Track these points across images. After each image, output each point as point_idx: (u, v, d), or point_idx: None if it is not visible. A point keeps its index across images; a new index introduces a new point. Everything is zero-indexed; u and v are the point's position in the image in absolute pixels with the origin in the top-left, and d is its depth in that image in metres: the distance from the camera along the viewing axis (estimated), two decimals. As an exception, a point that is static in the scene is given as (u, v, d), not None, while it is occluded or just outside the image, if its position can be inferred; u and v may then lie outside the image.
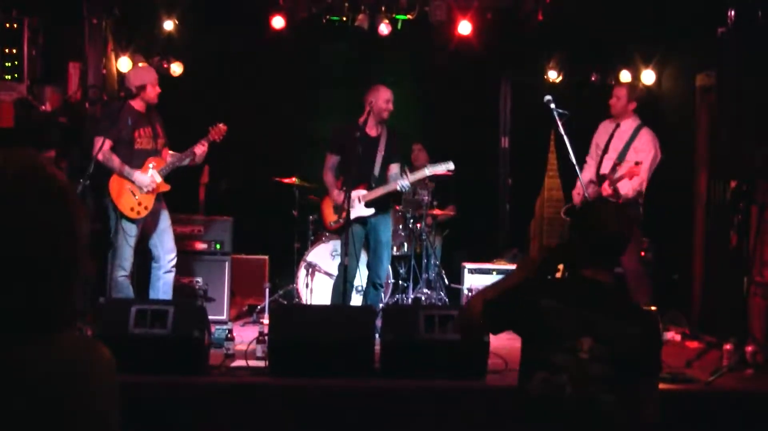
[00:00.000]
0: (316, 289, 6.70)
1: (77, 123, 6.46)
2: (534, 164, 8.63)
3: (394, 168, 5.99)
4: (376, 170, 5.96)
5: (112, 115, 5.49)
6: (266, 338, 4.67)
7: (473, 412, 4.23)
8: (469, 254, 7.43)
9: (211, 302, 6.27)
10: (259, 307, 6.63)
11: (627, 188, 5.76)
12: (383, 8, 7.24)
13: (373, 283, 5.99)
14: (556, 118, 5.54)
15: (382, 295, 6.30)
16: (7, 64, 6.13)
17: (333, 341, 4.47)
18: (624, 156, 5.94)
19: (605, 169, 6.01)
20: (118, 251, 5.44)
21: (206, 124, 5.74)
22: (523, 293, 2.62)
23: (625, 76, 7.41)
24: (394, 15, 7.30)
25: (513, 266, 6.94)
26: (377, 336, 4.69)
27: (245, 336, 5.48)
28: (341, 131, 6.03)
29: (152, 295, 5.65)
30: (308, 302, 6.59)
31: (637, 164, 5.69)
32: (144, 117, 5.58)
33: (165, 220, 5.73)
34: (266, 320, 5.43)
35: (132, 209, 5.46)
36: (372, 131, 5.96)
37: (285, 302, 6.74)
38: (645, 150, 5.88)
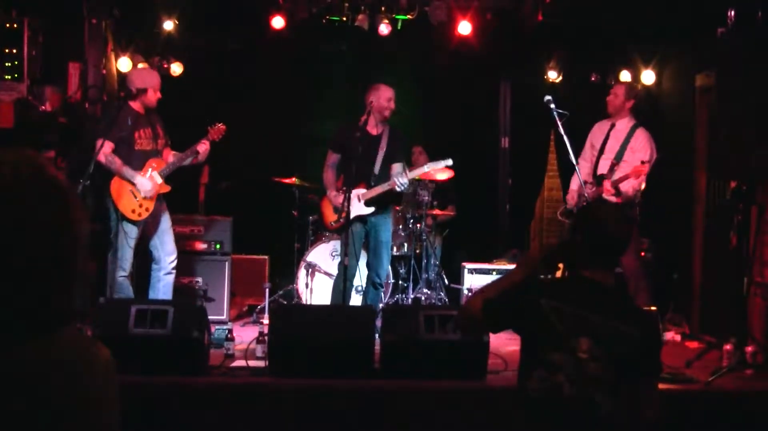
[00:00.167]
0: (316, 289, 6.71)
1: (77, 123, 6.46)
2: (534, 164, 8.63)
3: (396, 167, 5.99)
4: (377, 169, 5.96)
5: (111, 115, 5.49)
6: (266, 338, 4.67)
7: (473, 412, 4.23)
8: (469, 254, 7.43)
9: (211, 302, 6.27)
10: (259, 307, 6.62)
11: (628, 186, 5.77)
12: (383, 8, 7.24)
13: (373, 283, 5.99)
14: (556, 118, 5.54)
15: (382, 295, 6.30)
16: (7, 64, 6.13)
17: (333, 341, 4.47)
18: (621, 156, 5.95)
19: (603, 169, 6.02)
20: (119, 251, 5.44)
21: (206, 124, 5.75)
22: (523, 292, 2.62)
23: (625, 76, 7.41)
24: (394, 15, 7.30)
25: (513, 267, 7.00)
26: (377, 336, 4.69)
27: (245, 336, 5.48)
28: (343, 129, 6.03)
29: (152, 296, 5.64)
30: (308, 303, 6.59)
31: (643, 163, 5.70)
32: (144, 118, 5.57)
33: (166, 221, 5.72)
34: (266, 321, 5.43)
35: (133, 211, 5.46)
36: (373, 129, 5.96)
37: (285, 303, 6.74)
38: (642, 150, 5.89)
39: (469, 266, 7.01)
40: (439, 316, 4.55)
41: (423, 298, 6.90)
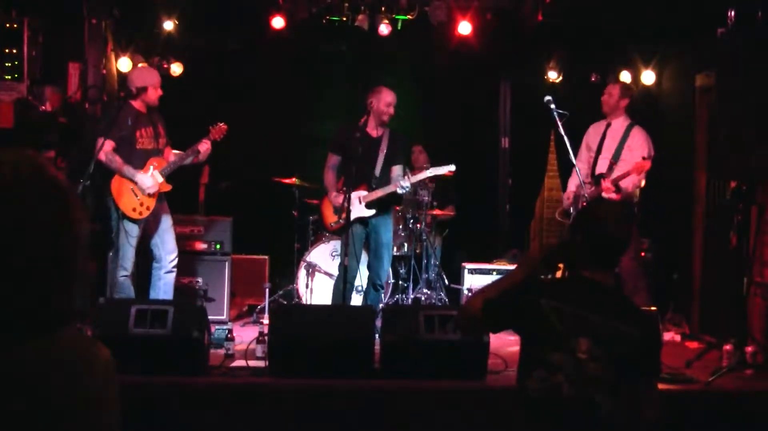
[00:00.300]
0: (316, 289, 6.71)
1: (77, 123, 6.46)
2: (534, 164, 8.63)
3: (397, 170, 5.98)
4: (377, 171, 5.95)
5: (112, 115, 5.49)
6: (266, 338, 4.67)
7: (473, 412, 4.23)
8: (469, 254, 7.43)
9: (211, 302, 6.27)
10: (259, 307, 6.63)
11: (628, 182, 5.79)
12: (383, 8, 7.24)
13: (373, 284, 5.99)
14: (556, 118, 5.54)
15: (382, 295, 6.30)
16: (7, 64, 6.13)
17: (333, 341, 4.47)
18: (619, 155, 5.96)
19: (602, 168, 6.02)
20: (120, 251, 5.44)
21: (206, 124, 5.75)
22: (523, 292, 2.62)
23: (625, 76, 7.42)
24: (394, 15, 7.30)
25: (513, 267, 7.00)
26: (377, 336, 4.69)
27: (245, 336, 5.48)
28: (343, 130, 6.03)
29: (153, 295, 5.65)
30: (308, 303, 6.59)
31: (644, 158, 5.71)
32: (145, 117, 5.57)
33: (166, 220, 5.73)
34: (266, 321, 5.43)
35: (134, 210, 5.46)
36: (373, 131, 5.95)
37: (285, 303, 6.73)
38: (640, 147, 5.90)
39: (469, 266, 7.01)
40: (439, 316, 4.55)
41: (423, 298, 6.90)
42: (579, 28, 7.31)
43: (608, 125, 6.12)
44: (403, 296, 6.94)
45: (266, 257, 7.29)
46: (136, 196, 5.47)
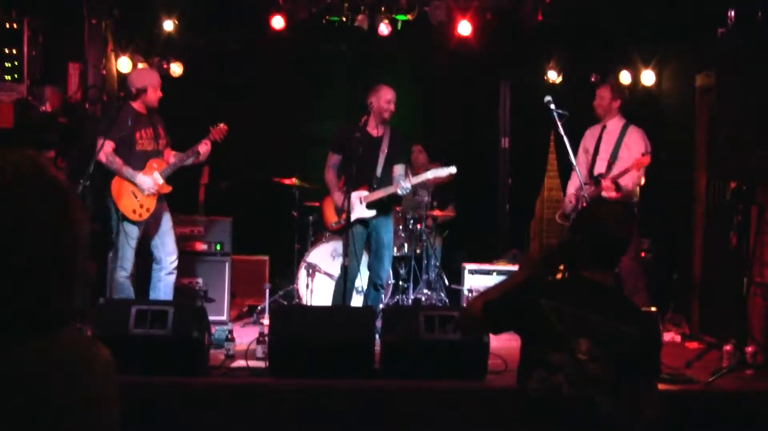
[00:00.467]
0: (316, 290, 6.70)
1: (77, 123, 6.46)
2: (534, 165, 8.63)
3: (398, 170, 5.98)
4: (379, 171, 5.95)
5: (112, 115, 5.49)
6: (266, 338, 4.67)
7: (473, 412, 4.23)
8: (470, 254, 7.43)
9: (211, 302, 6.26)
10: (259, 308, 6.63)
11: (627, 180, 5.79)
12: (383, 9, 7.24)
13: (373, 284, 5.99)
14: (556, 118, 5.55)
15: (383, 296, 6.29)
16: (7, 64, 6.13)
17: (333, 341, 4.47)
18: (616, 155, 5.98)
19: (600, 169, 6.03)
20: (119, 252, 5.44)
21: (206, 124, 5.75)
22: (523, 292, 2.63)
23: (625, 76, 7.41)
24: (394, 15, 7.30)
25: (513, 267, 7.00)
26: (377, 336, 4.69)
27: (245, 336, 5.48)
28: (343, 130, 6.03)
29: (152, 296, 5.65)
30: (308, 303, 6.59)
31: (643, 155, 5.72)
32: (145, 118, 5.57)
33: (167, 222, 5.73)
34: (266, 321, 5.43)
35: (134, 212, 5.46)
36: (374, 131, 5.95)
37: (285, 303, 6.73)
38: (637, 145, 5.91)
39: (469, 266, 7.01)
40: (440, 316, 4.55)
41: (423, 299, 6.90)
42: (579, 28, 7.30)
43: (604, 127, 6.15)
44: (404, 296, 6.93)
45: (266, 257, 7.29)
46: (136, 197, 5.47)
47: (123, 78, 6.57)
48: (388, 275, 6.48)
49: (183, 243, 6.21)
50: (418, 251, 7.09)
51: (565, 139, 5.54)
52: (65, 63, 6.57)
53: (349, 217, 5.52)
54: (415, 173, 6.39)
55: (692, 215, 6.89)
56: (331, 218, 6.37)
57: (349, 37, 7.70)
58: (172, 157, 5.69)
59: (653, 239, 6.93)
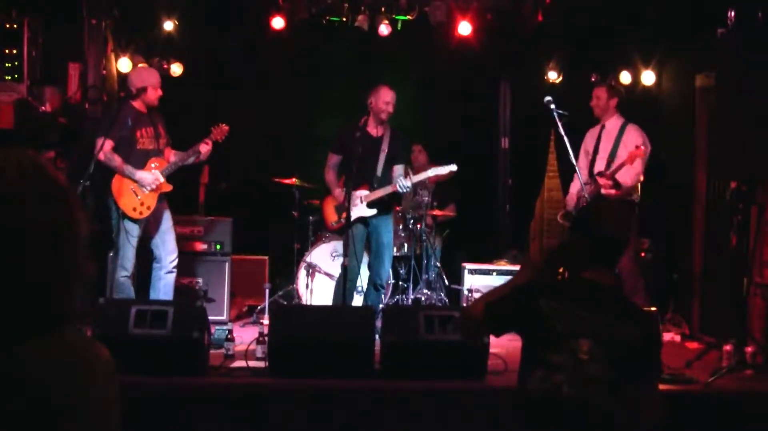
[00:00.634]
0: (316, 290, 6.70)
1: (77, 123, 6.46)
2: (534, 165, 8.62)
3: (398, 169, 5.99)
4: (379, 171, 5.96)
5: (112, 115, 5.50)
6: (266, 338, 4.67)
7: (473, 413, 4.23)
8: (470, 254, 7.43)
9: (211, 302, 6.27)
10: (259, 308, 6.63)
11: (626, 176, 5.79)
12: (383, 9, 7.24)
13: (374, 284, 6.00)
14: (556, 118, 5.55)
15: (383, 296, 6.29)
16: (7, 64, 6.13)
17: (333, 341, 4.46)
18: (615, 153, 5.99)
19: (599, 168, 6.04)
20: (120, 251, 5.45)
21: (206, 124, 5.75)
22: (523, 293, 2.63)
23: (625, 76, 7.42)
24: (394, 16, 7.31)
25: (513, 267, 7.01)
26: (377, 336, 4.69)
27: (245, 336, 5.48)
28: (344, 130, 6.04)
29: (153, 295, 5.66)
30: (308, 303, 6.59)
31: (637, 147, 5.72)
32: (145, 117, 5.58)
33: (167, 220, 5.73)
34: (266, 321, 5.43)
35: (134, 210, 5.47)
36: (374, 131, 5.96)
37: (285, 303, 6.73)
38: (634, 143, 5.91)
39: (469, 266, 7.01)
40: (440, 317, 4.55)
41: (423, 298, 6.90)
42: (579, 28, 7.31)
43: (602, 127, 6.17)
44: (404, 296, 6.93)
45: (266, 257, 7.29)
46: (137, 196, 5.47)
47: (123, 78, 6.58)
48: (388, 275, 6.48)
49: (183, 243, 6.21)
50: (418, 251, 7.09)
51: (565, 139, 5.54)
52: (65, 63, 6.58)
53: (349, 216, 5.52)
54: (416, 173, 6.39)
55: (692, 215, 6.89)
56: (331, 217, 6.37)
57: (349, 38, 7.70)
58: (172, 156, 5.70)
59: (653, 239, 6.93)
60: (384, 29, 7.23)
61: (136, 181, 5.45)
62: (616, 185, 5.82)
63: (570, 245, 2.71)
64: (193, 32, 7.36)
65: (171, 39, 7.27)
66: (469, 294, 6.80)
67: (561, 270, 2.79)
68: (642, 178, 5.96)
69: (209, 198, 7.21)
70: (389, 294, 6.83)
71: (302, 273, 6.77)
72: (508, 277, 6.80)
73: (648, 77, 7.45)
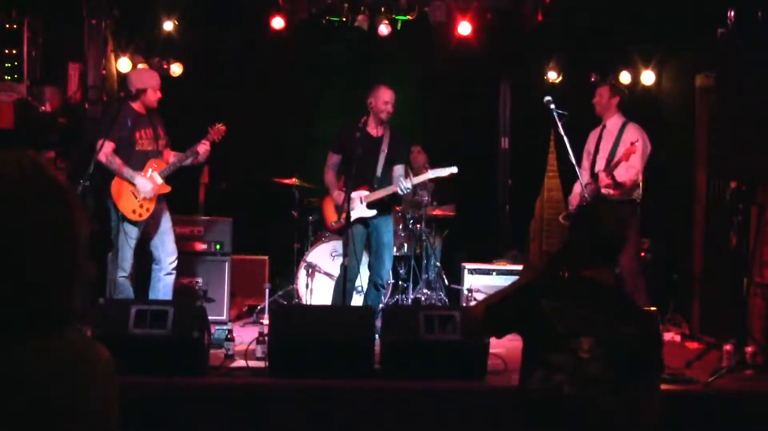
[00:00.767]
0: (316, 289, 6.70)
1: (77, 124, 6.46)
2: (534, 165, 8.63)
3: (398, 170, 5.99)
4: (379, 171, 5.96)
5: (112, 116, 5.50)
6: (266, 338, 4.67)
7: (473, 413, 4.23)
8: (469, 254, 7.43)
9: (211, 302, 6.27)
10: (259, 307, 6.62)
11: (624, 175, 5.78)
12: (383, 9, 7.24)
13: (374, 284, 6.00)
14: (556, 118, 5.55)
15: (383, 296, 6.29)
16: (7, 64, 6.13)
17: (333, 341, 4.46)
18: (615, 152, 5.99)
19: (600, 167, 6.04)
20: (119, 252, 5.45)
21: (206, 124, 5.75)
22: (523, 293, 2.63)
23: (625, 76, 7.42)
24: (393, 16, 7.30)
25: (513, 267, 7.00)
26: (377, 336, 4.69)
27: (245, 336, 5.48)
28: (344, 130, 6.04)
29: (152, 297, 5.65)
30: (308, 303, 6.59)
31: (631, 143, 5.72)
32: (145, 118, 5.58)
33: (166, 222, 5.73)
34: (266, 321, 5.43)
35: (134, 212, 5.47)
36: (374, 131, 5.96)
37: (285, 303, 6.73)
38: (630, 140, 5.91)
39: (469, 266, 7.00)
40: (439, 316, 4.55)
41: (423, 298, 6.90)
42: (579, 28, 7.30)
43: (603, 127, 6.19)
44: (403, 296, 6.93)
45: (266, 257, 7.29)
46: (136, 198, 5.47)
47: (123, 78, 6.57)
48: (388, 275, 6.48)
49: (183, 243, 6.21)
50: (417, 250, 7.09)
51: (565, 139, 5.54)
52: (65, 63, 6.57)
53: (349, 216, 5.52)
54: (415, 174, 6.39)
55: (692, 215, 6.89)
56: (331, 217, 6.37)
57: (349, 38, 7.70)
58: (171, 157, 5.70)
59: (653, 239, 6.93)
60: (384, 29, 7.23)
61: (134, 185, 5.46)
62: (615, 184, 5.81)
63: (569, 245, 2.72)
64: (193, 32, 7.36)
65: (171, 39, 7.27)
66: (469, 294, 6.79)
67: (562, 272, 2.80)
68: (642, 177, 5.95)
69: (209, 198, 7.21)
70: (389, 294, 6.83)
71: (302, 273, 6.77)
72: (508, 277, 6.86)
73: (648, 77, 7.45)
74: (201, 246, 6.56)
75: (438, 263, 7.11)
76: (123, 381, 1.38)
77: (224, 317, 6.41)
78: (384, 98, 5.87)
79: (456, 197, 7.58)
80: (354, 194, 5.75)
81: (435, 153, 7.57)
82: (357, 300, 6.28)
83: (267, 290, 6.38)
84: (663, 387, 3.81)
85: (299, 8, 7.19)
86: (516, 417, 2.60)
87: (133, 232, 5.48)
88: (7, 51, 6.13)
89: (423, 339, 4.47)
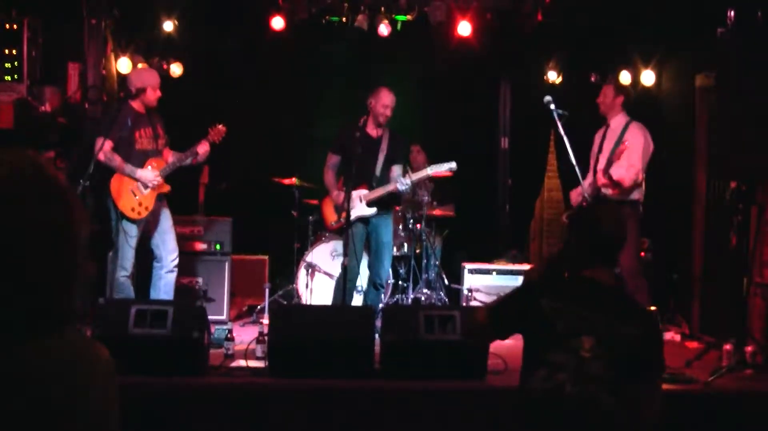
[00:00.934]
0: (316, 289, 6.70)
1: (77, 123, 6.46)
2: (534, 165, 8.63)
3: (397, 170, 5.99)
4: (378, 171, 5.97)
5: (112, 115, 5.50)
6: (266, 338, 4.67)
7: (473, 412, 4.23)
8: (469, 254, 7.42)
9: (211, 302, 6.27)
10: (258, 307, 6.62)
11: (620, 173, 5.75)
12: (383, 9, 7.24)
13: (374, 284, 6.00)
14: (556, 118, 5.55)
15: (383, 295, 6.30)
16: (6, 64, 6.13)
17: (333, 341, 4.47)
18: (615, 152, 5.97)
19: (602, 166, 6.03)
20: (119, 251, 5.45)
21: (206, 124, 5.75)
22: (524, 294, 2.64)
23: (625, 76, 7.41)
24: (393, 16, 7.30)
25: (512, 267, 7.00)
26: (377, 336, 4.69)
27: (245, 336, 5.48)
28: (344, 130, 6.04)
29: (153, 295, 5.66)
30: (308, 303, 6.59)
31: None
32: (144, 118, 5.58)
33: (167, 220, 5.73)
34: (266, 321, 5.43)
35: (133, 210, 5.47)
36: (373, 131, 5.96)
37: (285, 303, 6.73)
38: (635, 141, 5.90)
39: (469, 266, 7.00)
40: (439, 316, 4.55)
41: (423, 298, 6.90)
42: (579, 28, 7.30)
43: (607, 127, 6.16)
44: (403, 296, 6.93)
45: (266, 257, 7.29)
46: (135, 196, 5.48)
47: (123, 78, 6.57)
48: (388, 275, 6.49)
49: (183, 243, 6.21)
50: (417, 250, 7.09)
51: (565, 139, 5.53)
52: (65, 63, 6.57)
53: (348, 216, 5.52)
54: (416, 173, 6.39)
55: (692, 215, 6.89)
56: (331, 217, 6.36)
57: (349, 38, 7.70)
58: (170, 156, 5.70)
59: (653, 239, 6.93)
60: (384, 29, 7.23)
61: (136, 179, 5.46)
62: (613, 183, 5.80)
63: (569, 245, 2.72)
64: (193, 32, 7.36)
65: (171, 39, 7.27)
66: (469, 294, 6.80)
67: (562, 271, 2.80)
68: (641, 176, 5.93)
69: (209, 198, 7.20)
70: (389, 294, 6.83)
71: (302, 273, 6.77)
72: (508, 276, 6.86)
73: (648, 77, 7.45)
74: (201, 246, 6.56)
75: (438, 263, 7.11)
76: (123, 381, 1.38)
77: (224, 317, 6.41)
78: (384, 101, 5.86)
79: (456, 196, 7.58)
80: (354, 193, 5.75)
81: (435, 153, 7.55)
82: (357, 300, 6.28)
83: (267, 290, 6.38)
84: (663, 386, 3.82)
85: (299, 8, 7.19)
86: (516, 417, 2.60)
87: (132, 230, 5.48)
88: (7, 51, 6.13)
89: (423, 339, 4.47)
